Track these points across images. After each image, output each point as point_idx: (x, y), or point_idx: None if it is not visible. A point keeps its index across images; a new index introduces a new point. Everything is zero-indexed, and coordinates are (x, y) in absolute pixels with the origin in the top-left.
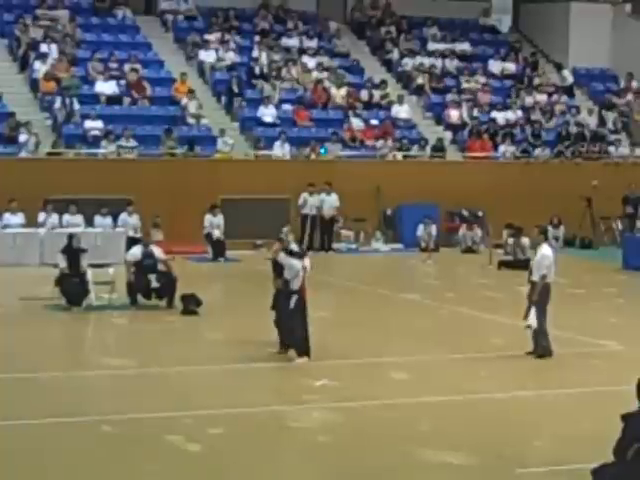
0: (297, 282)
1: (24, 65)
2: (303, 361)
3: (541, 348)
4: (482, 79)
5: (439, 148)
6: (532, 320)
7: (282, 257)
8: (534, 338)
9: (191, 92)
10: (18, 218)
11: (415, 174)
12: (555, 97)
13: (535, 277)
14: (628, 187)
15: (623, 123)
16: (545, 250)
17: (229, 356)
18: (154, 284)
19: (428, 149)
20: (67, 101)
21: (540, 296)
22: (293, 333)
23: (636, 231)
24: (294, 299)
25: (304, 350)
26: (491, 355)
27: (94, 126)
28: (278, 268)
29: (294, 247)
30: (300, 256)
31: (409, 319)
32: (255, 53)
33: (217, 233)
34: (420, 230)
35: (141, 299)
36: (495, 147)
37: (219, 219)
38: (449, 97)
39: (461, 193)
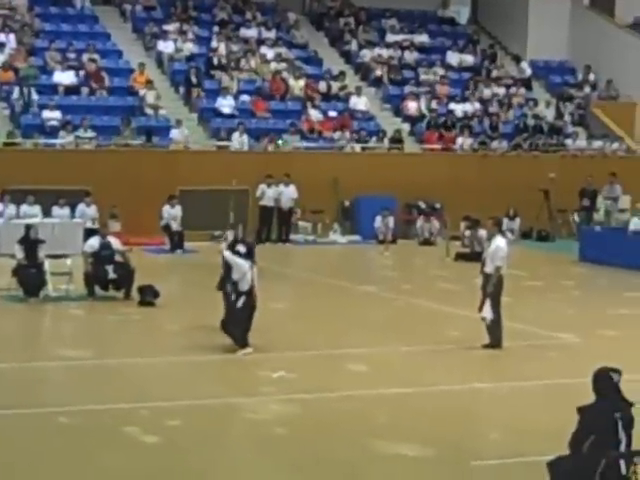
0: (245, 283)
1: None
2: (248, 351)
3: (493, 338)
4: (440, 71)
5: (397, 140)
6: (487, 312)
7: (228, 256)
8: (489, 330)
9: (149, 82)
10: None
11: (373, 166)
12: (513, 89)
13: (489, 269)
14: (585, 180)
15: (580, 116)
16: (499, 242)
17: (186, 348)
18: (111, 275)
19: (386, 141)
20: (25, 91)
21: (494, 288)
22: (235, 327)
23: (593, 224)
24: (242, 300)
25: (244, 342)
26: (448, 347)
27: (52, 116)
28: (225, 267)
29: (241, 249)
30: (248, 257)
31: (366, 311)
32: (214, 44)
33: (175, 224)
34: (378, 222)
35: (98, 290)
36: (453, 139)
37: (177, 210)
38: (407, 89)
39: (419, 185)
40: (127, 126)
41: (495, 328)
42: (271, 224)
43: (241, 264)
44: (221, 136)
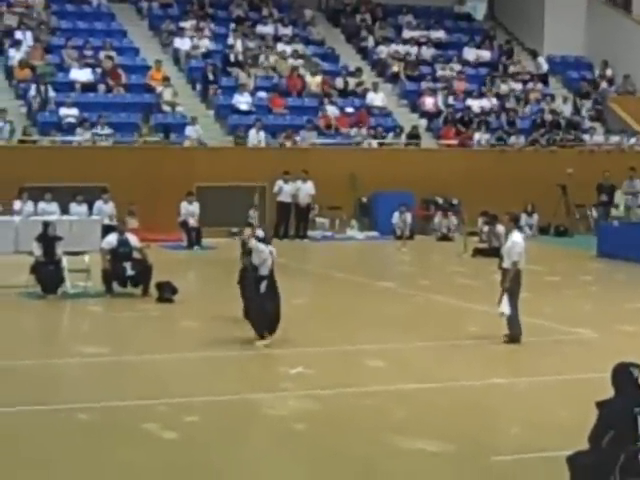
0: (265, 268)
1: None
2: (266, 342)
3: (511, 334)
4: (457, 67)
5: (414, 136)
6: (505, 307)
7: (253, 243)
8: (508, 324)
9: (166, 80)
10: None
11: (390, 162)
12: (530, 85)
13: (506, 264)
14: (603, 175)
15: (598, 111)
16: (516, 237)
17: (205, 344)
18: (129, 272)
19: (403, 137)
20: (42, 88)
21: (512, 283)
22: (257, 315)
23: (610, 219)
24: (264, 284)
25: (261, 332)
26: (466, 342)
27: (69, 113)
28: (247, 248)
29: (260, 233)
30: (266, 242)
31: (384, 307)
32: (230, 40)
33: (192, 221)
34: (395, 218)
35: (116, 287)
36: (470, 135)
37: (194, 207)
38: (424, 85)
39: (436, 181)
40: (146, 123)
41: (513, 323)
42: (289, 220)
43: (262, 249)
44: (238, 133)
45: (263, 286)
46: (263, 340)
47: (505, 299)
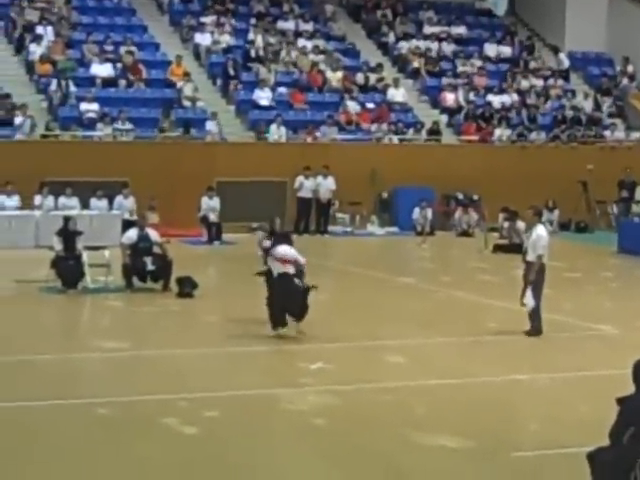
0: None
1: (20, 47)
2: (279, 332)
3: (532, 327)
4: (478, 62)
5: (435, 131)
6: (529, 300)
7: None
8: (531, 317)
9: (187, 75)
10: (13, 201)
11: (411, 157)
12: (551, 81)
13: (531, 257)
14: (624, 171)
15: (618, 107)
16: (540, 230)
17: (225, 339)
18: (150, 267)
19: (424, 132)
20: (63, 83)
21: (536, 276)
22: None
23: (631, 215)
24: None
25: (275, 322)
26: (487, 338)
27: (90, 108)
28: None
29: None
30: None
31: (405, 302)
32: (251, 36)
33: (213, 216)
34: (416, 213)
35: (137, 282)
36: (491, 131)
37: (215, 202)
38: (445, 81)
39: (457, 177)
40: (166, 118)
41: (535, 316)
42: (309, 216)
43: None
44: (259, 128)
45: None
46: (275, 330)
47: (529, 292)
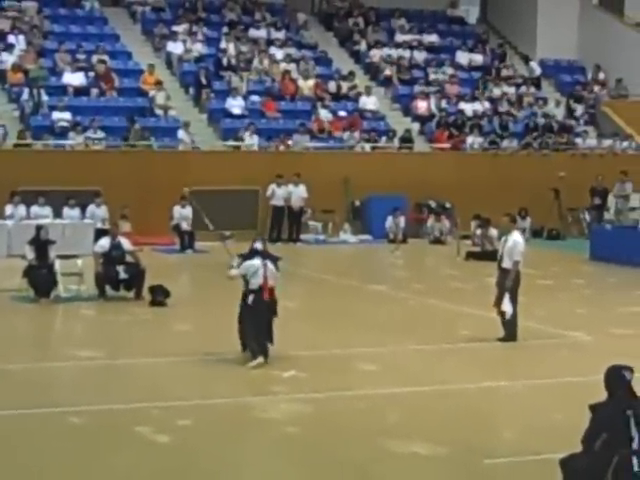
0: (256, 282)
1: None
2: (256, 363)
3: (508, 333)
4: (450, 70)
5: (407, 139)
6: (507, 307)
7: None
8: (505, 324)
9: (159, 83)
10: None
11: (383, 165)
12: (523, 89)
13: (507, 264)
14: (595, 179)
15: (590, 115)
16: (516, 237)
17: (197, 347)
18: (122, 275)
19: (396, 141)
20: (35, 92)
21: (513, 282)
22: (247, 333)
23: (604, 222)
24: (251, 298)
25: (254, 352)
26: (460, 346)
27: (62, 117)
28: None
29: (258, 245)
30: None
31: (377, 310)
32: (223, 44)
33: (185, 225)
34: (388, 221)
35: (109, 290)
36: (463, 139)
37: (188, 210)
38: (417, 88)
39: (429, 184)
40: (132, 126)
41: (511, 322)
42: (282, 224)
43: (249, 265)
44: (237, 137)
45: (251, 299)
46: (253, 360)
47: (507, 298)
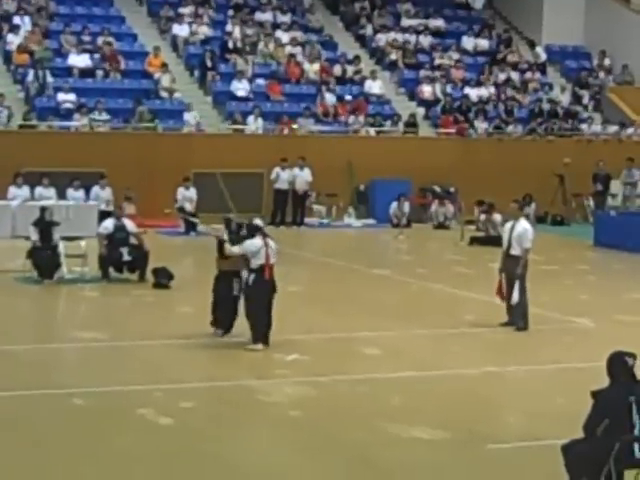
0: (256, 260)
1: None
2: (257, 348)
3: (522, 322)
4: (455, 55)
5: (412, 124)
6: (515, 294)
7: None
8: (513, 310)
9: (164, 66)
10: None
11: (388, 150)
12: (528, 74)
13: (516, 251)
14: (596, 165)
15: (595, 100)
16: (525, 224)
17: (200, 330)
18: (126, 257)
19: (401, 125)
20: (40, 74)
21: (524, 269)
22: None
23: (607, 208)
24: (251, 278)
25: (260, 338)
26: (463, 331)
27: (67, 99)
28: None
29: (258, 222)
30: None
31: (381, 294)
32: (229, 27)
33: (189, 206)
34: (392, 206)
35: (113, 272)
36: (471, 125)
37: (191, 192)
38: (422, 73)
39: (434, 169)
40: (139, 107)
41: (520, 309)
42: (286, 207)
43: (250, 244)
44: (239, 120)
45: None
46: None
47: (517, 286)
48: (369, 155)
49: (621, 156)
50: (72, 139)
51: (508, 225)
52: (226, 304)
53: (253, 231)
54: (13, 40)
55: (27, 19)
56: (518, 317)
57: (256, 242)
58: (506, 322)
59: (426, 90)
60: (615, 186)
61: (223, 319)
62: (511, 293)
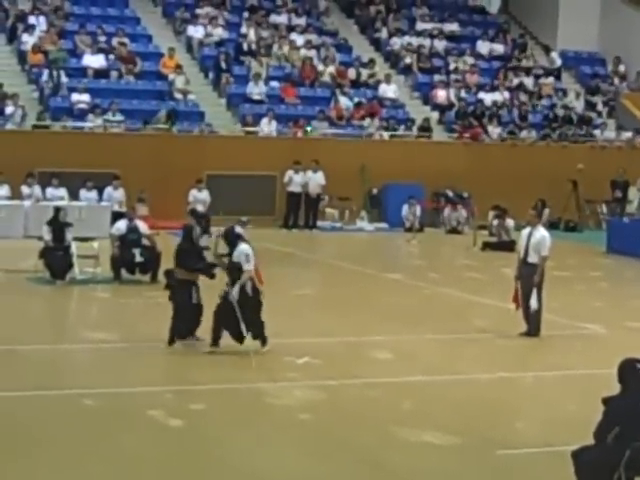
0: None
1: (12, 37)
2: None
3: (533, 327)
4: (470, 60)
5: (426, 128)
6: (534, 302)
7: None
8: (530, 318)
9: (179, 67)
10: (3, 190)
11: (401, 154)
12: (542, 79)
13: (533, 259)
14: (617, 172)
15: (610, 107)
16: (543, 232)
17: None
18: (138, 258)
19: (415, 129)
20: (54, 74)
21: (541, 277)
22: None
23: (626, 215)
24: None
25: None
26: (474, 336)
27: (81, 99)
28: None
29: (239, 229)
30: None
31: (392, 299)
32: (243, 29)
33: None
34: (405, 210)
35: (125, 273)
36: (485, 130)
37: (204, 194)
38: (437, 77)
39: (447, 174)
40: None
41: (536, 317)
42: (298, 210)
43: (241, 252)
44: (251, 122)
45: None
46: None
47: (534, 293)
48: (382, 159)
49: (635, 163)
50: (86, 140)
51: (525, 232)
52: (185, 313)
53: (235, 238)
54: (28, 40)
55: (42, 19)
56: (531, 324)
57: (245, 247)
58: (526, 332)
59: (440, 94)
60: (631, 193)
61: (181, 328)
62: (527, 301)
